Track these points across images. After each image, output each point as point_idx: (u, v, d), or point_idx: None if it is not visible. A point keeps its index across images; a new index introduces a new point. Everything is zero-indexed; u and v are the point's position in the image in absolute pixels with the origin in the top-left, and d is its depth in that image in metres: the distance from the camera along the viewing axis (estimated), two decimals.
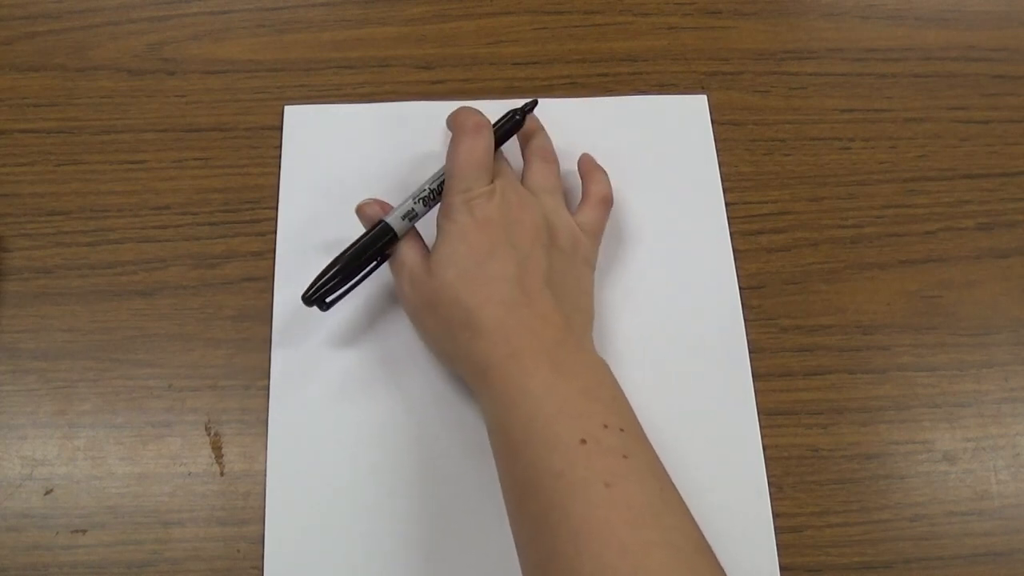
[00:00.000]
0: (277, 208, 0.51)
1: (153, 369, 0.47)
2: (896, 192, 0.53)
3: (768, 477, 0.46)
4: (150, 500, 0.45)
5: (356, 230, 0.48)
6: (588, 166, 0.50)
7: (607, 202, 0.49)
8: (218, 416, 0.47)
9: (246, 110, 0.54)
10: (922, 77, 0.56)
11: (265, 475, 0.45)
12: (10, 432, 0.46)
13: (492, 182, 0.45)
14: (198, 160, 0.52)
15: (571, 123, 0.54)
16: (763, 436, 0.47)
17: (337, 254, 0.45)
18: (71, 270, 0.49)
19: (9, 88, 0.54)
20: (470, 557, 0.44)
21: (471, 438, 0.46)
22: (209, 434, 0.46)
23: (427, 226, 0.47)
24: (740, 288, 0.50)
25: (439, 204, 0.46)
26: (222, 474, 0.46)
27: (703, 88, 0.55)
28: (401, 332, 0.48)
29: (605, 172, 0.50)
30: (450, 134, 0.47)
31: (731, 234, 0.51)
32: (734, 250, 0.51)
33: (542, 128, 0.51)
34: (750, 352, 0.48)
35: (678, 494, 0.39)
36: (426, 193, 0.46)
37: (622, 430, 0.39)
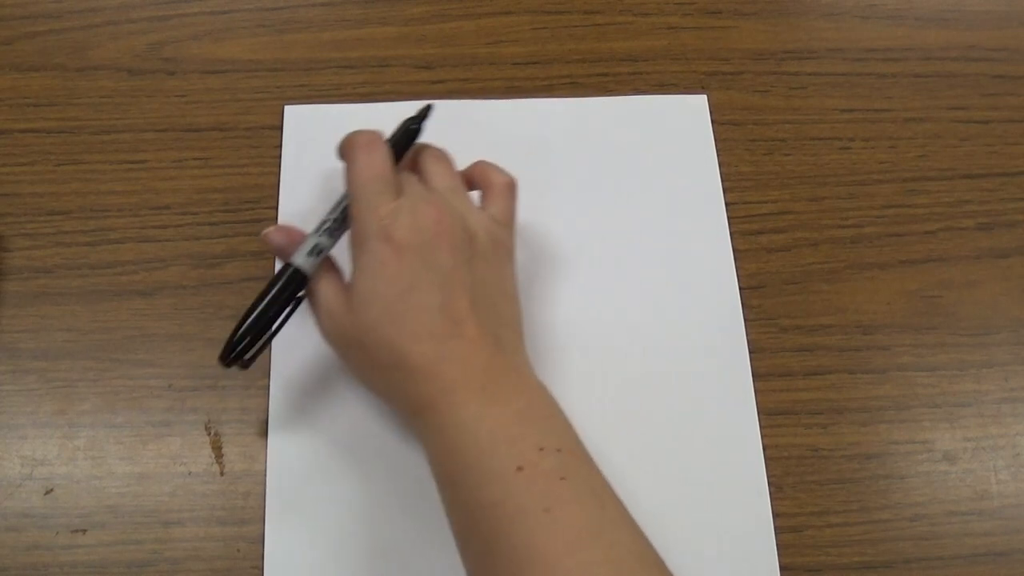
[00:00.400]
0: (277, 208, 0.51)
1: (153, 369, 0.47)
2: (896, 192, 0.53)
3: (768, 477, 0.46)
4: (150, 500, 0.45)
5: None
6: (479, 165, 0.47)
7: (512, 188, 0.46)
8: (218, 416, 0.47)
9: (246, 110, 0.54)
10: (922, 77, 0.56)
11: (265, 475, 0.45)
12: (10, 432, 0.46)
13: (398, 197, 0.42)
14: (198, 160, 0.52)
15: (571, 123, 0.54)
16: (763, 436, 0.47)
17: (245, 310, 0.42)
18: (71, 270, 0.49)
19: (9, 88, 0.54)
20: None
21: None
22: (209, 434, 0.46)
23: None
24: (740, 288, 0.50)
25: (348, 231, 0.43)
26: (222, 474, 0.46)
27: (703, 88, 0.55)
28: None
29: (497, 164, 0.47)
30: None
31: (731, 234, 0.51)
32: (734, 250, 0.51)
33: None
34: (750, 352, 0.48)
35: (620, 507, 0.38)
36: (329, 224, 0.43)
37: (559, 450, 0.38)
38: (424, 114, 0.46)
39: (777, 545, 0.45)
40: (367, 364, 0.42)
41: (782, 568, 0.44)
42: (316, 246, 0.43)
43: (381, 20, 0.57)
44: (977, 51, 0.57)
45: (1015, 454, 0.47)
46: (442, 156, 0.47)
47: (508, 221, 0.45)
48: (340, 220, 0.43)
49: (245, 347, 0.42)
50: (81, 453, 0.46)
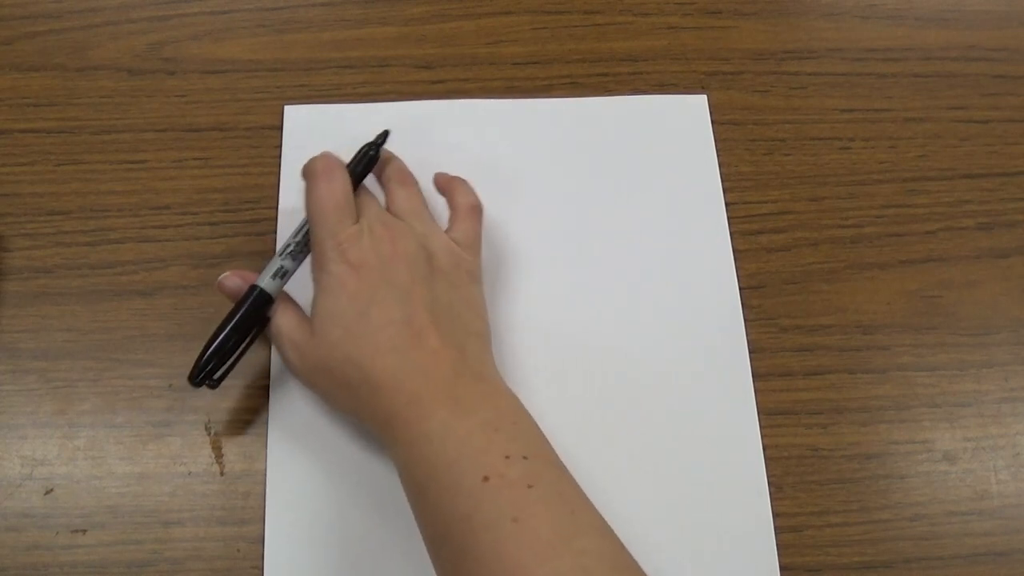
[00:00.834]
0: (277, 208, 0.51)
1: (153, 369, 0.47)
2: (896, 192, 0.53)
3: (768, 477, 0.46)
4: (150, 500, 0.45)
5: None
6: (445, 180, 0.49)
7: (477, 210, 0.47)
8: (218, 416, 0.47)
9: (246, 110, 0.54)
10: (922, 77, 0.56)
11: (265, 475, 0.45)
12: (10, 432, 0.46)
13: (357, 221, 0.43)
14: (198, 160, 0.52)
15: (571, 123, 0.54)
16: (763, 436, 0.47)
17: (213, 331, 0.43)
18: (71, 270, 0.49)
19: (9, 88, 0.54)
20: None
21: None
22: (209, 434, 0.46)
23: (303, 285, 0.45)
24: (740, 288, 0.50)
25: (309, 256, 0.44)
26: (222, 474, 0.46)
27: (703, 88, 0.55)
28: None
29: (466, 182, 0.48)
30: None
31: (731, 234, 0.51)
32: (734, 250, 0.51)
33: (394, 155, 0.49)
34: (750, 352, 0.48)
35: (591, 512, 0.38)
36: (292, 247, 0.44)
37: (525, 457, 0.38)
38: (382, 139, 0.47)
39: (777, 545, 0.45)
40: (333, 385, 0.42)
41: (782, 568, 0.44)
42: (280, 268, 0.44)
43: (381, 20, 0.57)
44: (977, 51, 0.57)
45: (1015, 454, 0.47)
46: (405, 178, 0.48)
47: (472, 244, 0.46)
48: (302, 243, 0.44)
49: (212, 368, 0.43)
50: (81, 453, 0.46)
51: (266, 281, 0.44)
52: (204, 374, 0.43)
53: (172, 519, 0.44)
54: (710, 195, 0.52)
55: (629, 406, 0.47)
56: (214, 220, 0.51)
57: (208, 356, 0.43)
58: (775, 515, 0.45)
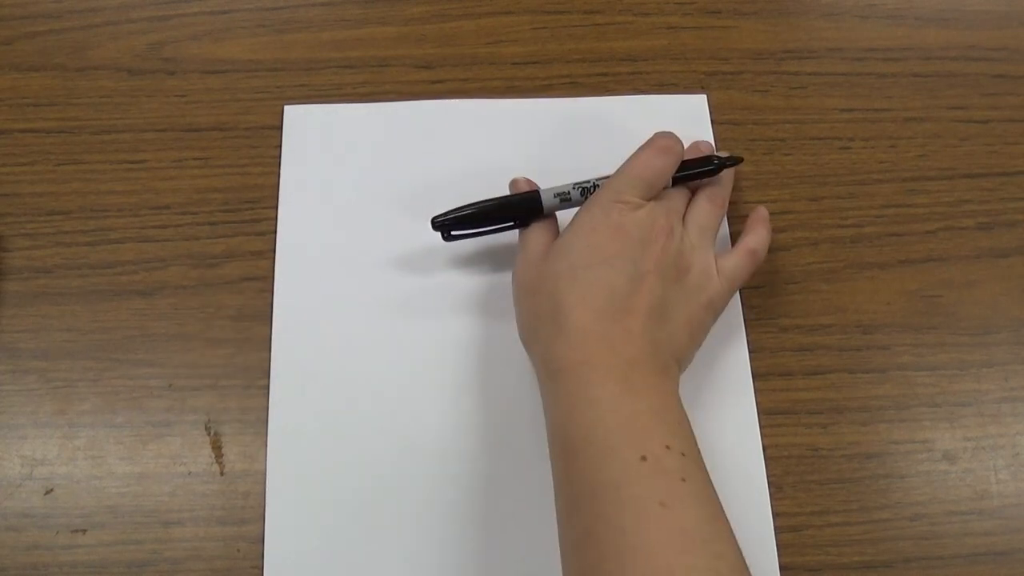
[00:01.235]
0: (277, 208, 0.51)
1: (153, 369, 0.47)
2: (896, 192, 0.53)
3: (768, 477, 0.46)
4: (150, 500, 0.45)
5: (355, 230, 0.48)
6: (755, 219, 0.49)
7: (755, 255, 0.47)
8: (218, 416, 0.47)
9: (246, 110, 0.54)
10: (922, 77, 0.56)
11: (265, 475, 0.45)
12: (10, 432, 0.46)
13: (646, 202, 0.45)
14: (198, 160, 0.52)
15: (571, 123, 0.54)
16: (763, 436, 0.47)
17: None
18: (71, 270, 0.49)
19: (9, 88, 0.54)
20: (470, 556, 0.44)
21: (471, 438, 0.46)
22: (209, 434, 0.46)
23: None
24: (740, 288, 0.50)
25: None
26: (222, 474, 0.46)
27: (703, 88, 0.55)
28: (401, 333, 0.48)
29: (768, 230, 0.48)
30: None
31: (731, 234, 0.51)
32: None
33: (730, 181, 0.49)
34: (750, 352, 0.48)
35: (728, 523, 0.38)
36: (589, 185, 0.46)
37: (683, 454, 0.38)
38: (734, 163, 0.49)
39: (777, 545, 0.45)
40: (530, 310, 0.44)
41: (782, 568, 0.44)
42: (566, 193, 0.46)
43: (381, 20, 0.57)
44: (977, 51, 0.57)
45: (1015, 454, 0.47)
46: (718, 199, 0.48)
47: (731, 279, 0.46)
48: (592, 189, 0.46)
49: (457, 224, 0.46)
50: (81, 453, 0.46)
51: (547, 193, 0.46)
52: (449, 223, 0.45)
53: (172, 519, 0.44)
54: None
55: None
56: (214, 220, 0.51)
57: (465, 213, 0.45)
58: (775, 515, 0.45)
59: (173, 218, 0.51)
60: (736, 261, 0.47)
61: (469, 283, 0.50)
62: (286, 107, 0.54)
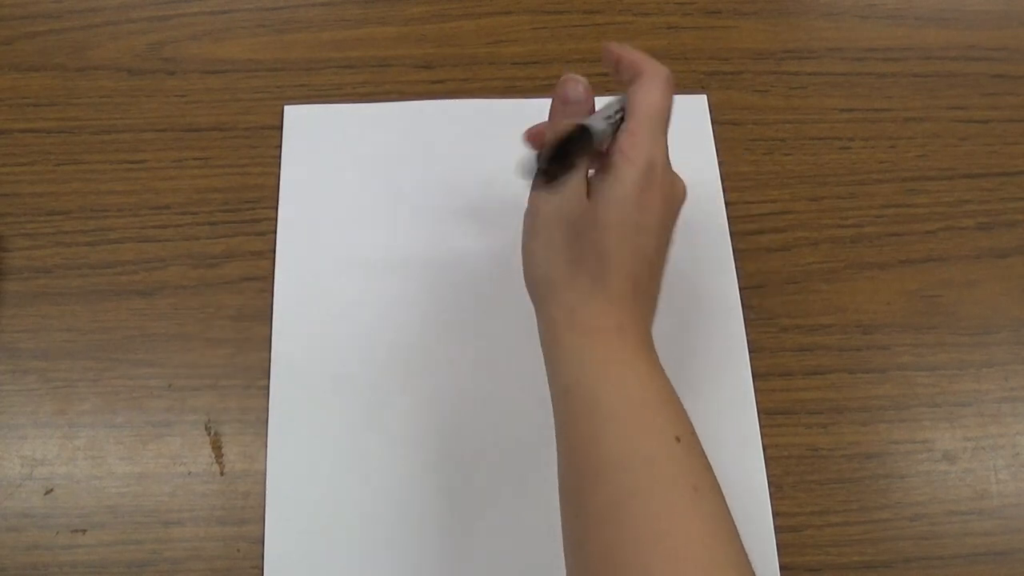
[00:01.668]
0: (277, 208, 0.51)
1: (153, 369, 0.47)
2: (896, 192, 0.53)
3: (768, 477, 0.46)
4: (150, 500, 0.45)
5: (355, 230, 0.48)
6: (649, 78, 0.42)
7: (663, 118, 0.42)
8: (218, 416, 0.47)
9: (246, 110, 0.54)
10: (922, 77, 0.56)
11: (265, 475, 0.45)
12: (10, 432, 0.46)
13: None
14: (198, 160, 0.52)
15: None
16: (763, 436, 0.47)
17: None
18: (71, 270, 0.49)
19: (9, 88, 0.54)
20: (469, 556, 0.44)
21: (471, 438, 0.46)
22: (209, 434, 0.46)
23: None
24: (740, 288, 0.50)
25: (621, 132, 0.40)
26: (222, 474, 0.45)
27: (703, 88, 0.55)
28: (400, 333, 0.48)
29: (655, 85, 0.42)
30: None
31: (731, 234, 0.51)
32: (734, 250, 0.51)
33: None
34: (750, 352, 0.48)
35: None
36: (614, 119, 0.41)
37: (699, 440, 0.38)
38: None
39: (777, 545, 0.45)
40: (569, 255, 0.39)
41: (782, 568, 0.44)
42: (608, 121, 0.41)
43: (381, 20, 0.57)
44: (977, 51, 0.57)
45: (1015, 454, 0.47)
46: (663, 127, 0.43)
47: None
48: (617, 125, 0.41)
49: (559, 159, 0.39)
50: (81, 453, 0.46)
51: (597, 122, 0.40)
52: (556, 162, 0.39)
53: (172, 519, 0.44)
54: (710, 195, 0.52)
55: None
56: (214, 220, 0.51)
57: (564, 148, 0.39)
58: (775, 515, 0.45)
59: (173, 218, 0.51)
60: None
61: (470, 283, 0.50)
62: (286, 107, 0.54)
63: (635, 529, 0.34)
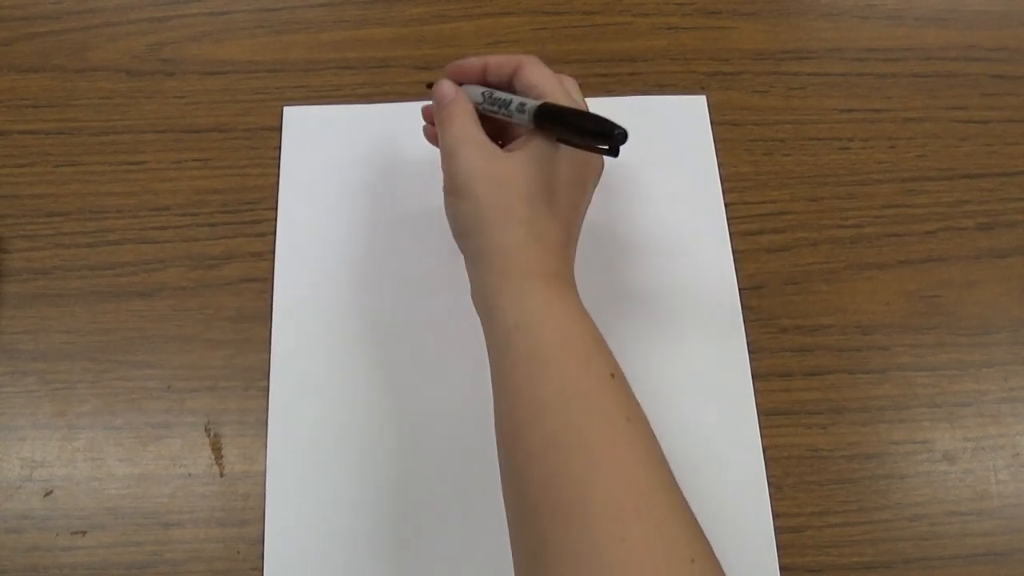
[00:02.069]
0: (276, 209, 0.51)
1: (152, 370, 0.47)
2: (896, 192, 0.53)
3: (768, 477, 0.46)
4: (150, 501, 0.45)
5: (355, 231, 0.47)
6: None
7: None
8: (217, 417, 0.47)
9: (245, 111, 0.54)
10: (922, 77, 0.56)
11: (265, 476, 0.45)
12: (10, 433, 0.46)
13: None
14: (197, 161, 0.52)
15: None
16: (763, 436, 0.47)
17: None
18: (70, 271, 0.49)
19: (9, 88, 0.54)
20: (469, 556, 0.44)
21: (471, 438, 0.46)
22: (209, 435, 0.46)
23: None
24: (740, 288, 0.50)
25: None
26: (222, 475, 0.45)
27: (703, 88, 0.55)
28: (401, 333, 0.48)
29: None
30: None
31: (731, 234, 0.51)
32: (734, 250, 0.51)
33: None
34: (750, 352, 0.48)
35: None
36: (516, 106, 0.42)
37: (628, 383, 0.39)
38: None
39: (777, 545, 0.45)
40: (501, 204, 0.41)
41: (782, 568, 0.44)
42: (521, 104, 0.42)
43: (380, 21, 0.57)
44: (977, 51, 0.57)
45: (1015, 454, 0.47)
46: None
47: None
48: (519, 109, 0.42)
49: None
50: (81, 455, 0.46)
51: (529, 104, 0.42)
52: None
53: (172, 520, 0.44)
54: (710, 195, 0.52)
55: None
56: (213, 221, 0.51)
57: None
58: (775, 515, 0.45)
59: (172, 219, 0.51)
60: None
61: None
62: (285, 108, 0.54)
63: (573, 459, 0.36)
